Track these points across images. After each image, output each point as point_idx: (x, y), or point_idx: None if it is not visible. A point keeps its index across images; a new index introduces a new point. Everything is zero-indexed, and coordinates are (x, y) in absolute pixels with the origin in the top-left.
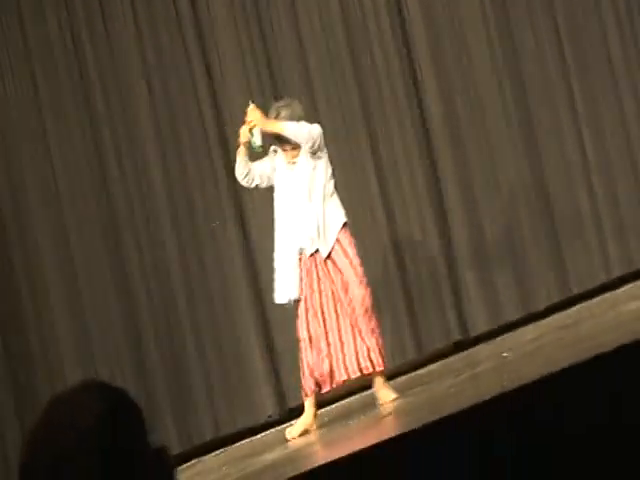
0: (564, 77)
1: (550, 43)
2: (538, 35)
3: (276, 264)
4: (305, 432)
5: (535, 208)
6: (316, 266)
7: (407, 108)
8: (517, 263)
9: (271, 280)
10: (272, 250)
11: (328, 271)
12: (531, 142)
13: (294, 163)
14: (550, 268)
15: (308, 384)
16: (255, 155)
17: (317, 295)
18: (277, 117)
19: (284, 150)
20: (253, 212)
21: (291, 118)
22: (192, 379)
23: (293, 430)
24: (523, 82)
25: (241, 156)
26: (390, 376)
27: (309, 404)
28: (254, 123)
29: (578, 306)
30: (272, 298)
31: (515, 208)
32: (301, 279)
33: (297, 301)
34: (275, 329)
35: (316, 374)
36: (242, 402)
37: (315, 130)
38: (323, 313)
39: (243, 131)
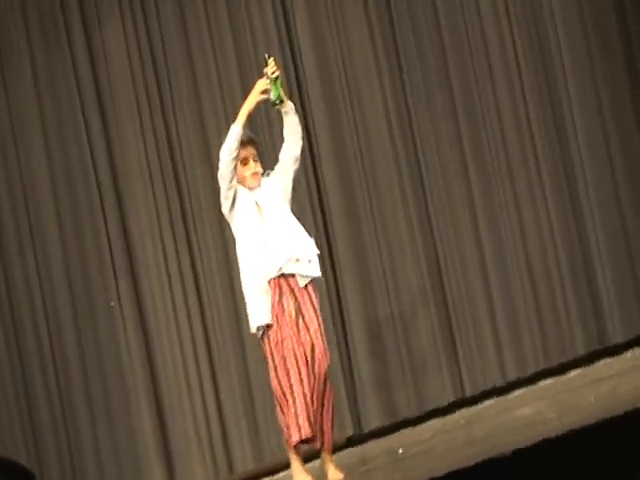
0: (464, 176)
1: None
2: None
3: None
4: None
5: (432, 307)
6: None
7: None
8: (412, 361)
9: (165, 360)
10: (166, 330)
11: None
12: (429, 243)
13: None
14: (445, 368)
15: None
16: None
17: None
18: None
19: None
20: (150, 293)
21: None
22: (84, 449)
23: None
24: (422, 176)
25: (244, 126)
26: (279, 468)
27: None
28: (278, 74)
29: (472, 407)
30: (165, 375)
31: (413, 306)
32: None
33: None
34: (167, 408)
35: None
36: (133, 475)
37: None
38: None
39: (260, 85)
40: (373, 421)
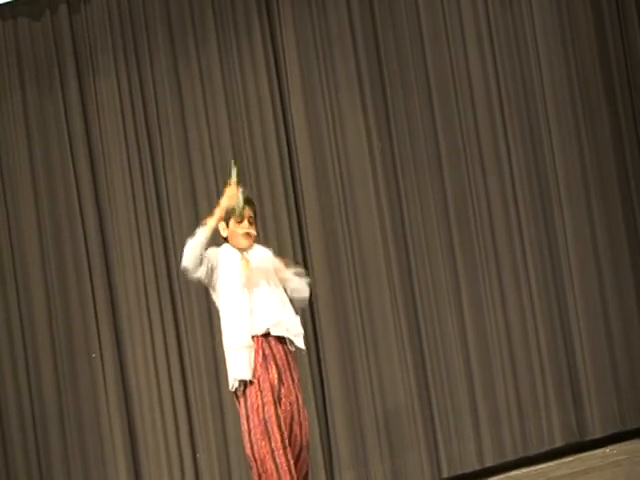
0: (451, 270)
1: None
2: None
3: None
4: None
5: (414, 387)
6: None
7: None
8: (391, 440)
9: (143, 413)
10: (146, 386)
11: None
12: (412, 322)
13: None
14: (424, 449)
15: None
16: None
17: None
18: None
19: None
20: (131, 346)
21: None
22: None
23: None
24: (410, 265)
25: (208, 234)
26: None
27: None
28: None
29: None
30: (143, 430)
31: (393, 383)
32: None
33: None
34: (144, 463)
35: None
36: None
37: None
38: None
39: (232, 194)
40: None
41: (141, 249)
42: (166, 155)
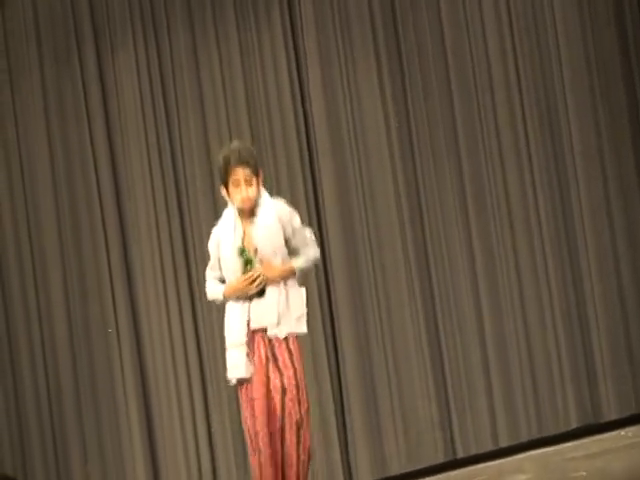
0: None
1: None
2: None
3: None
4: None
5: (428, 366)
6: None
7: None
8: (406, 418)
9: (159, 389)
10: (162, 360)
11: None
12: (428, 302)
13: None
14: (438, 429)
15: None
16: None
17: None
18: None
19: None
20: (147, 319)
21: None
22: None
23: None
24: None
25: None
26: None
27: None
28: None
29: (462, 469)
30: (159, 409)
31: (408, 363)
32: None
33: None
34: (159, 440)
35: None
36: None
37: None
38: None
39: (250, 286)
40: (364, 474)
41: (157, 222)
42: (183, 131)
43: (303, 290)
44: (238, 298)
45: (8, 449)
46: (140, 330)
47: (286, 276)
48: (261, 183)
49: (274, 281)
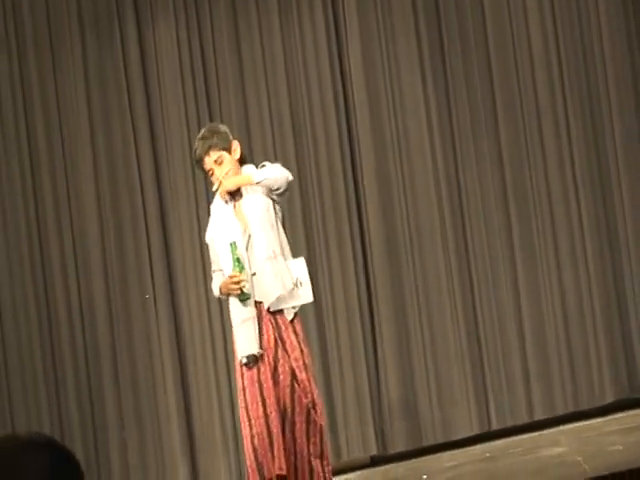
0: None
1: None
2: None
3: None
4: None
5: (464, 338)
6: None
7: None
8: (441, 389)
9: (196, 355)
10: (199, 327)
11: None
12: (466, 280)
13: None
14: (473, 401)
15: None
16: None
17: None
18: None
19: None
20: (184, 286)
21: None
22: (110, 449)
23: None
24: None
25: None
26: None
27: None
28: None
29: (497, 442)
30: (194, 372)
31: (444, 335)
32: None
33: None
34: (194, 405)
35: None
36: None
37: (287, 172)
38: None
39: (233, 286)
40: (397, 444)
41: (196, 196)
42: (223, 106)
43: (302, 260)
44: (229, 296)
45: (46, 413)
46: (177, 295)
47: (243, 184)
48: (236, 153)
49: (231, 189)
